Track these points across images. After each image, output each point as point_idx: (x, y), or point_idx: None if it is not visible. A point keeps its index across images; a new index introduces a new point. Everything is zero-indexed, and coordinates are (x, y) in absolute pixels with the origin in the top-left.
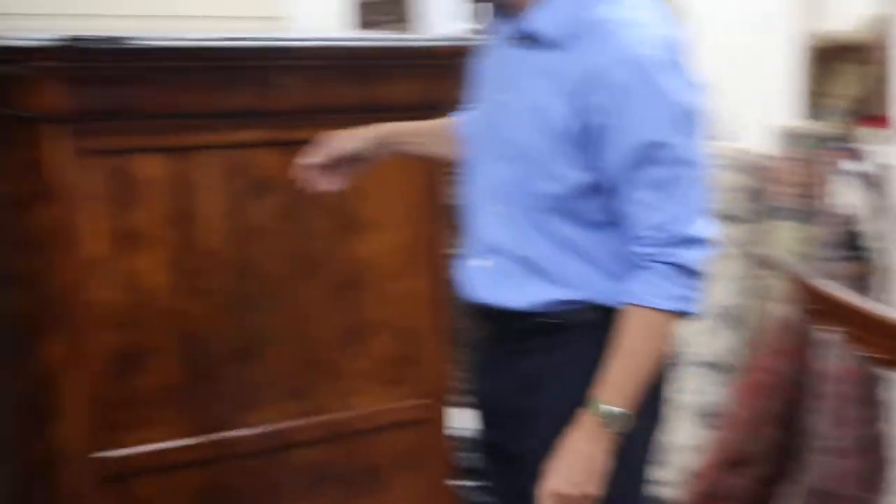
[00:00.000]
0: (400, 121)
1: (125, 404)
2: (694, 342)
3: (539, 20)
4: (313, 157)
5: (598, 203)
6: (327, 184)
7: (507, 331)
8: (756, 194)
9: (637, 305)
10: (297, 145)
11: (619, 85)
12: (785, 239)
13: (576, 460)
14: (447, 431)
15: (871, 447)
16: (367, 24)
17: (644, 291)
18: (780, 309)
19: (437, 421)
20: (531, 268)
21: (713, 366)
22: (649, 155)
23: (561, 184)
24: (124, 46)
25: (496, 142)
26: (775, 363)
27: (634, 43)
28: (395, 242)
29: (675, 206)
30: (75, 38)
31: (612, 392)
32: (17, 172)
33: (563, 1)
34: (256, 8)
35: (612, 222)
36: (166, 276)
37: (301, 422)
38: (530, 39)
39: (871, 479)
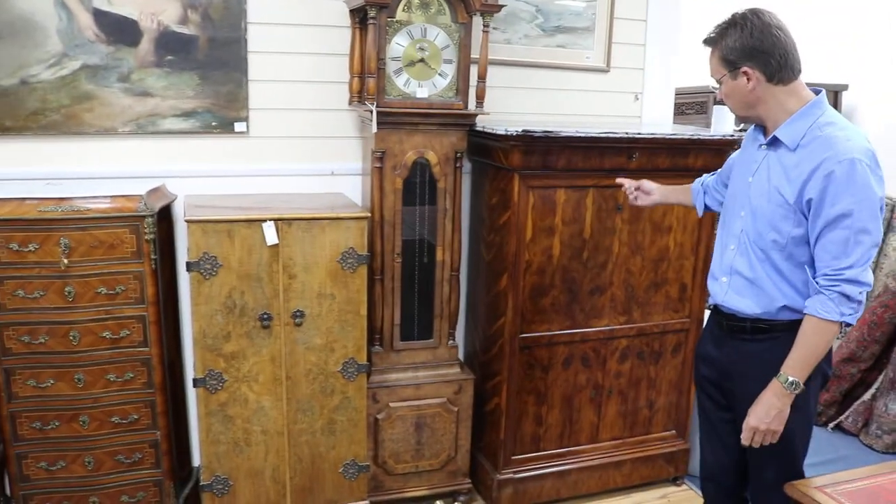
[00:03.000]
0: (692, 177)
1: (535, 312)
2: None
3: (784, 133)
4: (634, 187)
5: (802, 250)
6: (639, 202)
7: (732, 324)
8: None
9: (815, 316)
10: None
11: (836, 176)
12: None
13: (769, 409)
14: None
15: None
16: (681, 113)
17: (821, 308)
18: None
19: (692, 331)
20: (755, 285)
21: None
22: (840, 222)
23: (782, 235)
24: (550, 135)
25: (743, 205)
26: (880, 310)
27: (849, 150)
28: (682, 240)
29: (850, 258)
30: (525, 130)
31: (795, 369)
32: (498, 194)
33: (800, 123)
34: (625, 111)
35: (810, 264)
36: (562, 250)
37: (622, 326)
38: (776, 144)
39: None
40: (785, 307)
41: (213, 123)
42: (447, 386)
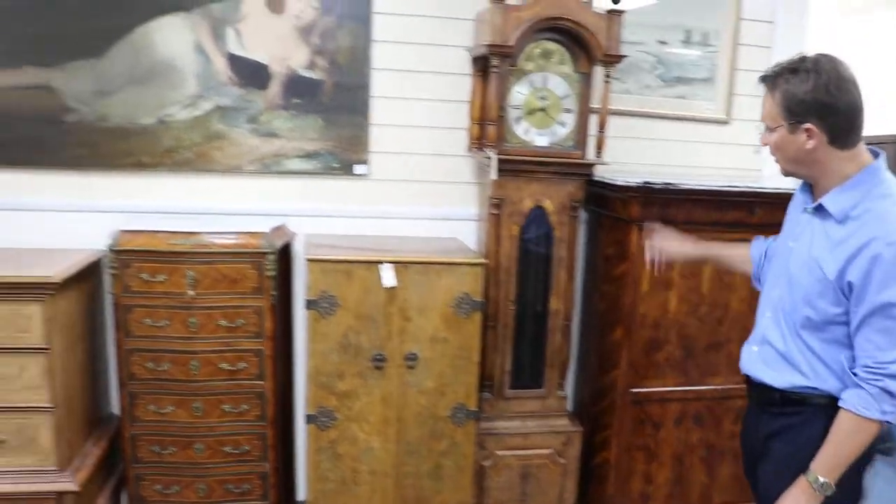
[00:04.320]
0: None
1: (649, 366)
2: None
3: (832, 202)
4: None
5: (839, 329)
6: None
7: (762, 396)
8: None
9: (852, 412)
10: None
11: (884, 259)
12: None
13: None
14: None
15: None
16: None
17: (859, 403)
18: None
19: None
20: (785, 359)
21: None
22: (887, 311)
23: (818, 313)
24: (670, 188)
25: (782, 272)
26: None
27: None
28: None
29: (894, 350)
30: (646, 182)
31: (825, 468)
32: (613, 244)
33: (852, 193)
34: (744, 164)
35: (845, 343)
36: (678, 304)
37: (739, 386)
38: (823, 211)
39: None
40: (814, 389)
41: (335, 165)
42: (555, 437)
